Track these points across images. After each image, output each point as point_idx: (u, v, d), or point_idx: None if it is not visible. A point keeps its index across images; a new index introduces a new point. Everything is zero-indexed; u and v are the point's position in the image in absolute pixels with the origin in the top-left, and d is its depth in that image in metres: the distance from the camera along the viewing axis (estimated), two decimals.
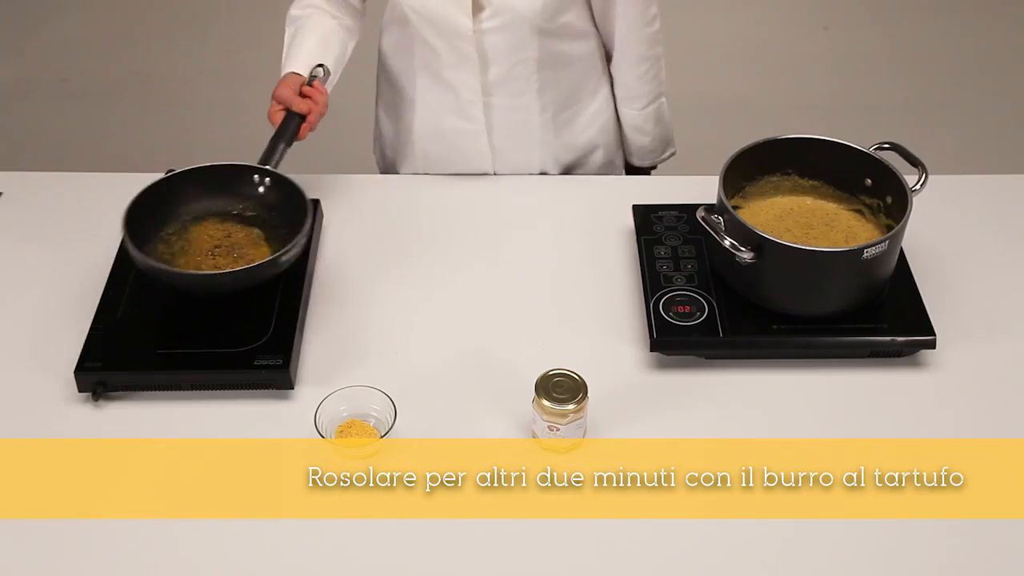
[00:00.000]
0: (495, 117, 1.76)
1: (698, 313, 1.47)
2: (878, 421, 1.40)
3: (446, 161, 1.82)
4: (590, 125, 1.83)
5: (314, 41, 1.68)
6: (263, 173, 1.57)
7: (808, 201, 1.59)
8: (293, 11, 1.73)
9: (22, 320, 1.54)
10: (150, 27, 3.92)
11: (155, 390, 1.43)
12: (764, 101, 3.39)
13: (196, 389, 1.43)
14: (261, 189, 1.58)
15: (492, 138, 1.78)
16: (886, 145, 1.56)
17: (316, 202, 1.68)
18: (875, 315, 1.47)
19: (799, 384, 1.45)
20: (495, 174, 1.81)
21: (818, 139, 1.57)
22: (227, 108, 3.50)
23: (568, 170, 1.86)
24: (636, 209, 1.65)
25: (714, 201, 1.50)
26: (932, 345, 1.45)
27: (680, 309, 1.48)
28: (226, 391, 1.43)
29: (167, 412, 1.41)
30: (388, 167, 1.94)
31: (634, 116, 1.83)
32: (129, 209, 1.49)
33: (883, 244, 1.41)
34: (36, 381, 1.44)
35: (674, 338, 1.45)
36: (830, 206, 1.58)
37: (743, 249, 1.41)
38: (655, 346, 1.45)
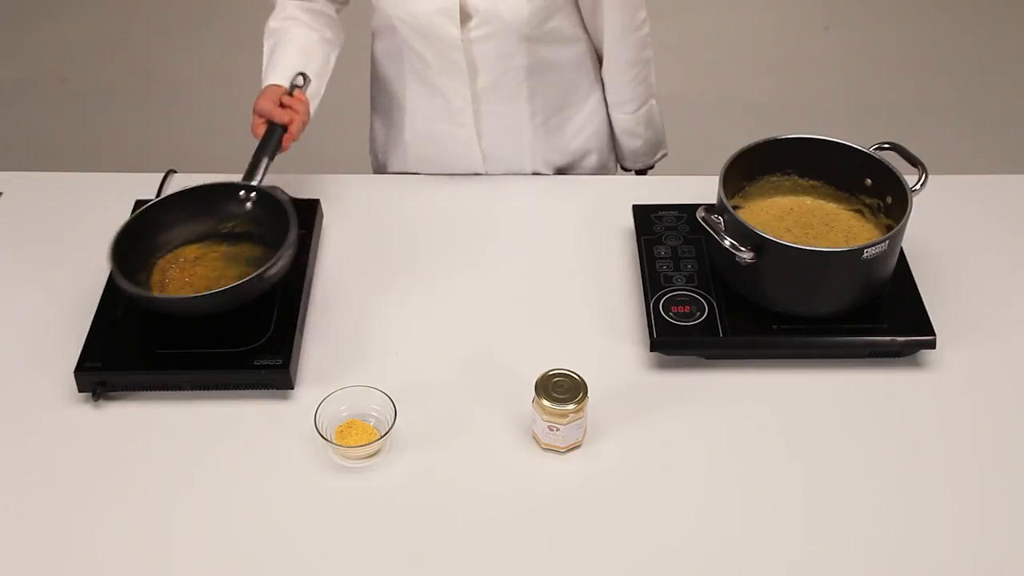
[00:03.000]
0: (485, 123, 1.76)
1: (698, 313, 1.47)
2: (878, 421, 1.40)
3: (438, 165, 1.82)
4: (582, 130, 1.83)
5: (294, 52, 1.66)
6: (248, 189, 1.56)
7: (808, 201, 1.59)
8: (271, 23, 1.72)
9: (22, 320, 1.54)
10: (150, 27, 3.92)
11: (155, 390, 1.43)
12: (764, 101, 3.39)
13: (196, 389, 1.43)
14: (248, 205, 1.56)
15: (482, 143, 1.78)
16: (886, 145, 1.56)
17: (316, 202, 1.68)
18: (875, 315, 1.47)
19: (799, 384, 1.45)
20: (488, 174, 1.81)
21: (818, 139, 1.57)
22: (227, 108, 3.49)
23: (561, 173, 1.86)
24: (636, 209, 1.65)
25: (714, 201, 1.50)
26: (932, 345, 1.45)
27: (680, 309, 1.48)
28: (226, 391, 1.43)
29: (167, 412, 1.41)
30: (381, 170, 1.94)
31: (626, 120, 1.83)
32: (115, 241, 1.47)
33: (883, 244, 1.41)
34: (36, 381, 1.44)
35: (674, 338, 1.45)
36: (830, 206, 1.58)
37: (743, 249, 1.41)
38: (655, 346, 1.45)
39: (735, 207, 1.51)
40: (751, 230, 1.42)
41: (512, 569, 1.25)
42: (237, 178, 1.57)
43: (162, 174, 1.76)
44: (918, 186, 1.50)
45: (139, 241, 1.52)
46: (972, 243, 1.66)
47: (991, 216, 1.71)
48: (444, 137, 1.79)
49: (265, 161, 1.58)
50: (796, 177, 1.59)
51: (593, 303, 1.56)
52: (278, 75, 1.64)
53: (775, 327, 1.45)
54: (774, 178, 1.59)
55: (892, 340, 1.45)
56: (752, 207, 1.57)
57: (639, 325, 1.52)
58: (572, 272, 1.61)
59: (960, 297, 1.55)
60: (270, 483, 1.33)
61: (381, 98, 1.87)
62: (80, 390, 1.41)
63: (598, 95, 1.83)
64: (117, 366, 1.42)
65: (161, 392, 1.43)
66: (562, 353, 1.46)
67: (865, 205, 1.56)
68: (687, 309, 1.48)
